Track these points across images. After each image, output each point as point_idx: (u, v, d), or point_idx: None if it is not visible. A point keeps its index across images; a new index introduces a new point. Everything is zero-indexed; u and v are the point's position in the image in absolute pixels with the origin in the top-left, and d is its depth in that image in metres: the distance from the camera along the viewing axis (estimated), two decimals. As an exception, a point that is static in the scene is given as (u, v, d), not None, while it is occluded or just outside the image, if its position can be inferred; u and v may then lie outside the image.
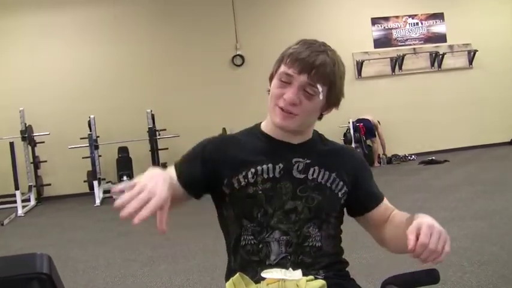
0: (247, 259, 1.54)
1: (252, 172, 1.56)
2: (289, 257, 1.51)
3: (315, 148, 1.66)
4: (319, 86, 1.52)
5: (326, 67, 1.53)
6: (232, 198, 1.58)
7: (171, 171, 1.56)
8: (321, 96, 1.55)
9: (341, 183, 1.62)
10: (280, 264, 1.49)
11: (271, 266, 1.48)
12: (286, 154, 1.61)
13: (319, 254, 1.56)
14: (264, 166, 1.57)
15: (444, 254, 1.32)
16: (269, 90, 1.62)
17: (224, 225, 1.67)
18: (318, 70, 1.51)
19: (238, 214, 1.57)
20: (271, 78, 1.62)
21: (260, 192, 1.55)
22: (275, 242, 1.52)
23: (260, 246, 1.53)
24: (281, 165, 1.58)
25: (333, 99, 1.61)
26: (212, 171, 1.59)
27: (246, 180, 1.56)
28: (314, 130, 1.72)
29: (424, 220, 1.33)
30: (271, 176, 1.57)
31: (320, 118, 1.66)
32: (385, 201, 1.74)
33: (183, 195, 1.56)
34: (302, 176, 1.58)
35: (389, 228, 1.63)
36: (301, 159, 1.60)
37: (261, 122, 1.72)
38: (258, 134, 1.68)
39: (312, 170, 1.60)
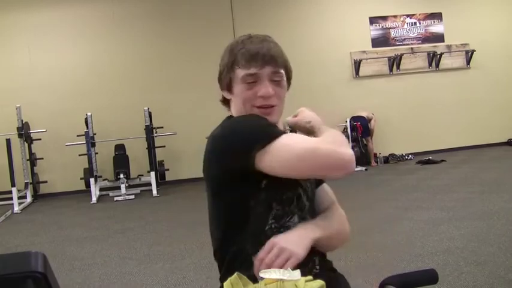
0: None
1: None
2: None
3: None
4: (281, 70, 1.56)
5: (277, 51, 1.57)
6: (273, 178, 1.48)
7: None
8: (284, 78, 1.58)
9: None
10: None
11: None
12: None
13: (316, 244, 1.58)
14: None
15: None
16: (226, 100, 1.66)
17: (241, 211, 1.54)
18: (275, 57, 1.54)
19: (270, 196, 1.51)
20: (228, 88, 1.63)
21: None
22: (293, 227, 1.52)
23: (281, 230, 1.50)
24: None
25: (290, 77, 1.64)
26: None
27: None
28: None
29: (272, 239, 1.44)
30: None
31: None
32: (326, 186, 1.78)
33: None
34: None
35: None
36: None
37: (229, 116, 1.68)
38: None
39: None
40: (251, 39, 1.58)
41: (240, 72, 1.55)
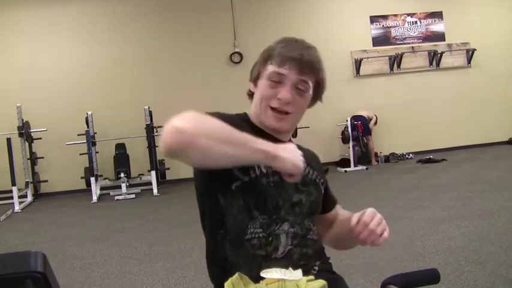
0: (251, 253, 1.47)
1: None
2: (295, 249, 1.51)
3: (300, 149, 1.61)
4: (310, 83, 1.53)
5: (315, 62, 1.54)
6: (245, 186, 1.50)
7: None
8: (310, 92, 1.55)
9: (321, 181, 1.69)
10: (287, 256, 1.49)
11: (276, 260, 1.46)
12: None
13: (315, 247, 1.59)
14: None
15: (382, 239, 1.43)
16: (251, 93, 1.61)
17: (218, 216, 1.53)
18: (309, 66, 1.52)
19: (248, 204, 1.49)
20: (255, 80, 1.61)
21: (272, 184, 1.53)
22: (284, 234, 1.51)
23: (270, 239, 1.49)
24: None
25: (320, 93, 1.62)
26: None
27: (259, 170, 1.52)
28: None
29: (368, 209, 1.47)
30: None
31: None
32: (338, 206, 1.81)
33: None
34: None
35: (335, 225, 1.74)
36: None
37: (245, 113, 1.67)
38: (254, 125, 1.62)
39: (308, 167, 1.60)
40: (297, 42, 1.58)
41: (270, 69, 1.54)
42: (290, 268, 1.37)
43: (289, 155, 1.34)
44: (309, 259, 1.54)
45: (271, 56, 1.55)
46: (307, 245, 1.55)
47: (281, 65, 1.51)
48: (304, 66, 1.50)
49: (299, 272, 1.35)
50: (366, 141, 10.63)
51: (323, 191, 1.70)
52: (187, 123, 1.28)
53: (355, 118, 10.40)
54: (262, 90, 1.55)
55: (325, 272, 1.57)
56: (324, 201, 1.71)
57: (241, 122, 1.56)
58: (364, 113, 10.56)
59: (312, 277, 1.38)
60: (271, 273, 1.32)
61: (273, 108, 1.53)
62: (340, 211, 1.79)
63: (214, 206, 1.54)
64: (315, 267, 1.55)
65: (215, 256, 1.56)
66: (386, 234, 1.43)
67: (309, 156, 1.63)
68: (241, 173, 1.49)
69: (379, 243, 1.42)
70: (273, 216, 1.51)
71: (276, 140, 1.55)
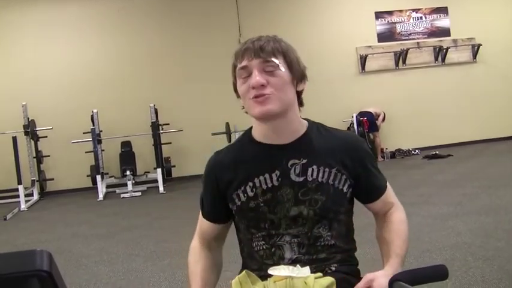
0: (260, 262, 1.57)
1: (250, 186, 1.57)
2: (303, 257, 1.53)
3: (311, 144, 1.60)
4: (274, 59, 1.51)
5: (271, 42, 1.54)
6: (237, 212, 1.62)
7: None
8: (282, 68, 1.52)
9: (344, 177, 1.59)
10: (295, 262, 1.50)
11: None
12: (281, 158, 1.58)
13: (333, 251, 1.57)
14: (261, 177, 1.57)
15: None
16: (243, 107, 1.60)
17: (237, 233, 1.72)
18: (265, 48, 1.51)
19: (247, 225, 1.61)
20: (236, 90, 1.61)
21: (262, 204, 1.55)
22: (287, 245, 1.54)
23: (273, 249, 1.55)
24: (277, 172, 1.56)
25: (295, 68, 1.57)
26: (221, 194, 1.65)
27: (246, 195, 1.58)
28: (309, 121, 1.68)
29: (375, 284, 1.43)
30: (269, 185, 1.56)
31: (301, 103, 1.63)
32: (386, 195, 1.73)
33: (221, 227, 1.73)
34: (301, 179, 1.56)
35: (381, 231, 1.73)
36: (296, 161, 1.57)
37: (251, 127, 1.69)
38: (250, 141, 1.65)
39: (310, 170, 1.56)
40: (252, 38, 1.57)
41: (237, 70, 1.55)
42: (298, 265, 1.36)
43: None
44: (323, 261, 1.54)
45: (234, 62, 1.57)
46: (318, 251, 1.55)
47: (241, 60, 1.52)
48: (258, 49, 1.50)
49: (307, 269, 1.34)
50: (372, 137, 10.61)
51: (351, 184, 1.61)
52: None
53: (362, 114, 10.39)
54: (240, 89, 1.56)
55: (344, 273, 1.56)
56: (361, 192, 1.67)
57: (226, 158, 1.68)
58: (372, 109, 10.54)
59: (320, 274, 1.38)
60: (278, 271, 1.31)
61: (252, 98, 1.51)
62: (390, 211, 1.75)
63: (235, 225, 1.73)
64: (331, 268, 1.55)
65: (244, 265, 1.69)
66: None
67: (322, 149, 1.60)
68: (230, 204, 1.63)
69: None
70: (271, 231, 1.56)
71: (279, 148, 1.59)
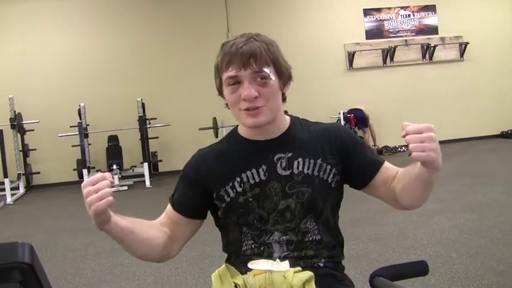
0: (247, 262, 1.52)
1: (238, 181, 1.57)
2: (291, 254, 1.53)
3: (295, 138, 1.62)
4: (265, 69, 1.49)
5: (260, 49, 1.49)
6: (226, 209, 1.59)
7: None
8: (273, 77, 1.51)
9: (329, 167, 1.59)
10: (284, 260, 1.49)
11: None
12: (267, 153, 1.59)
13: (320, 247, 1.57)
14: (248, 172, 1.57)
15: (433, 152, 1.50)
16: (226, 104, 1.59)
17: (223, 232, 1.70)
18: (255, 56, 1.47)
19: (236, 223, 1.59)
20: (220, 92, 1.60)
21: (251, 199, 1.56)
22: (276, 244, 1.55)
23: (262, 248, 1.55)
24: (264, 167, 1.57)
25: (284, 73, 1.56)
26: (202, 191, 1.62)
27: (234, 191, 1.57)
28: (292, 117, 1.69)
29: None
30: (257, 180, 1.57)
31: (284, 99, 1.62)
32: (386, 164, 1.70)
33: (188, 223, 1.64)
34: (288, 172, 1.57)
35: (397, 181, 1.63)
36: (282, 155, 1.58)
37: (237, 126, 1.69)
38: (236, 138, 1.66)
39: (296, 163, 1.58)
40: (236, 40, 1.53)
41: (224, 76, 1.52)
42: (277, 260, 1.37)
43: None
44: (311, 258, 1.55)
45: (219, 63, 1.54)
46: (306, 247, 1.55)
47: (230, 68, 1.49)
48: (247, 58, 1.47)
49: (286, 263, 1.35)
50: (361, 133, 10.65)
51: (337, 173, 1.61)
52: None
53: (352, 111, 10.43)
54: (228, 97, 1.54)
55: (330, 268, 1.57)
56: (356, 175, 1.65)
57: (211, 154, 1.68)
58: (363, 107, 10.58)
59: (299, 268, 1.39)
60: (258, 265, 1.32)
61: (244, 110, 1.51)
62: (399, 169, 1.69)
63: (218, 225, 1.70)
64: (319, 264, 1.56)
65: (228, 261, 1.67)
66: (438, 148, 1.50)
67: (305, 141, 1.61)
68: (219, 202, 1.60)
69: (426, 155, 1.51)
70: (261, 228, 1.56)
71: (265, 143, 1.60)
